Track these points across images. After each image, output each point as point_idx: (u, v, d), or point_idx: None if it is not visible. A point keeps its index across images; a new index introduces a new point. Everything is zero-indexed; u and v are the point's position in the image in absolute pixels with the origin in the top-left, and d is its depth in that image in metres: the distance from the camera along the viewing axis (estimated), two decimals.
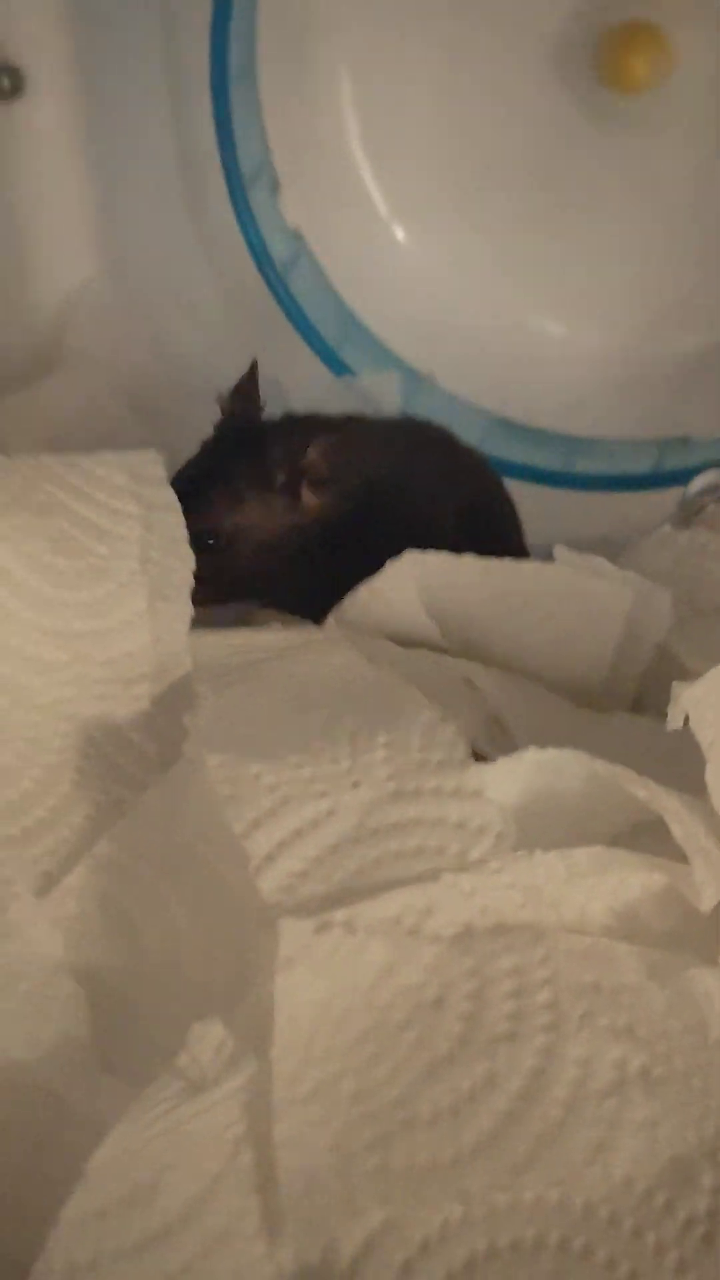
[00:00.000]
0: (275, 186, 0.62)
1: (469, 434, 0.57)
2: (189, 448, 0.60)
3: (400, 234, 0.67)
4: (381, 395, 0.63)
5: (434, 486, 0.51)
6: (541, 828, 0.33)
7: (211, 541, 0.45)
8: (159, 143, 0.64)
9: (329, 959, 0.28)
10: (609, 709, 0.45)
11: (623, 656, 0.44)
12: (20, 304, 0.63)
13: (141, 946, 0.32)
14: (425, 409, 0.62)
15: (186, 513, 0.41)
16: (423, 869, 0.30)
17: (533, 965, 0.29)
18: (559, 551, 0.43)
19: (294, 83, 0.61)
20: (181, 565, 0.40)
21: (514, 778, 0.33)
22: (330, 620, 0.44)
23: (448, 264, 0.67)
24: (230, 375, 0.61)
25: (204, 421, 0.61)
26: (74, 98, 0.61)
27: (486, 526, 0.51)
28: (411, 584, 0.43)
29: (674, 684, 0.33)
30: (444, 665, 0.42)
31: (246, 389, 0.49)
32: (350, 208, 0.66)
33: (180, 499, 0.41)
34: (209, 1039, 0.27)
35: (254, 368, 0.50)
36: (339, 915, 0.29)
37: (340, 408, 0.60)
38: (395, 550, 0.43)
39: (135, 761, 0.36)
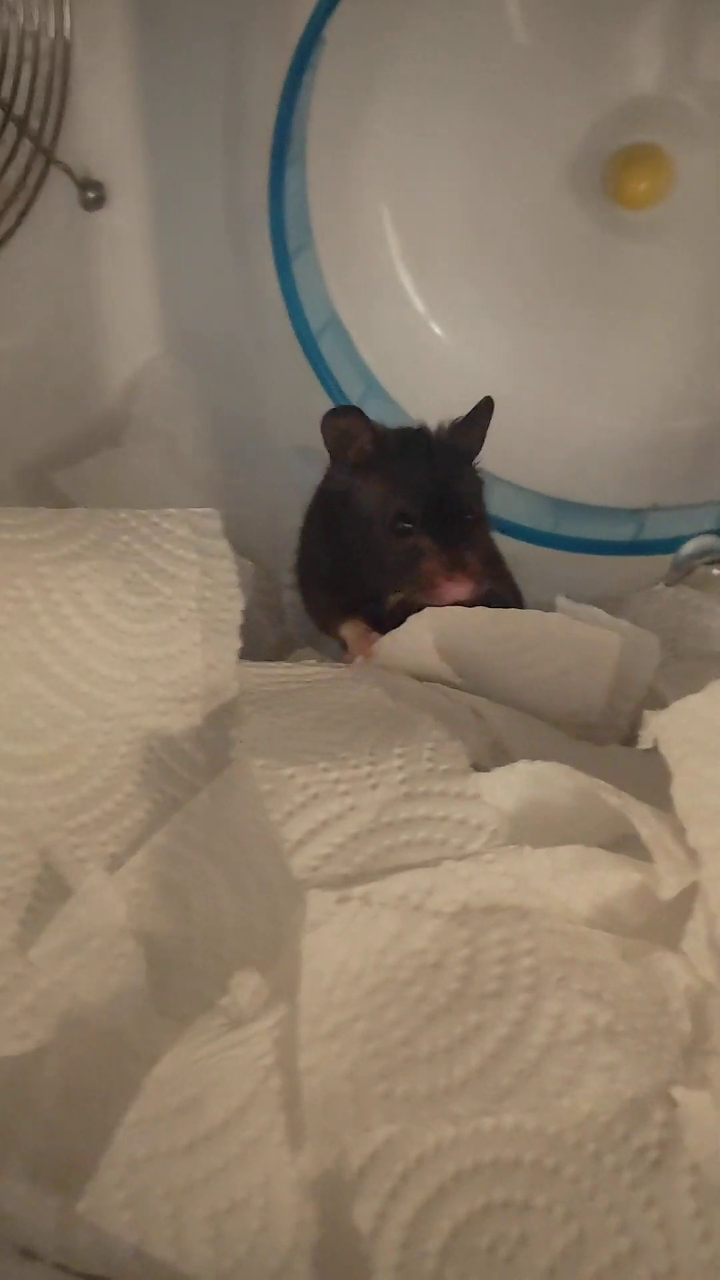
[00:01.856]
0: (340, 329, 0.70)
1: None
2: (236, 510, 0.67)
3: (438, 330, 0.76)
4: None
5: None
6: (534, 831, 0.39)
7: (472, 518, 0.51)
8: (215, 244, 0.73)
9: (348, 925, 0.34)
10: (605, 742, 0.50)
11: (616, 695, 0.50)
12: (94, 381, 0.71)
13: (190, 916, 0.38)
14: None
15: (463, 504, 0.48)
16: (428, 856, 0.36)
17: (519, 938, 0.35)
18: (560, 602, 0.49)
19: (344, 217, 0.71)
20: (231, 605, 0.46)
21: (508, 786, 0.39)
22: (358, 661, 0.51)
23: (477, 354, 0.75)
24: (275, 447, 0.69)
25: (250, 488, 0.68)
26: (147, 210, 0.70)
27: None
28: (428, 634, 0.49)
29: (645, 711, 0.39)
30: (454, 697, 0.48)
31: (370, 431, 0.53)
32: (393, 310, 0.74)
33: (449, 498, 0.48)
34: (247, 985, 0.33)
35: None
36: (357, 891, 0.35)
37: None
38: None
39: (187, 767, 0.43)
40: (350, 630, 0.52)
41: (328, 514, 0.53)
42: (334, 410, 0.50)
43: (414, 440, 0.51)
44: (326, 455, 0.74)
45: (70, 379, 0.70)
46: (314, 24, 0.60)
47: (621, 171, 0.64)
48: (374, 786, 0.38)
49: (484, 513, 0.50)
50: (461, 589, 0.46)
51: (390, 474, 0.49)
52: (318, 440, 0.74)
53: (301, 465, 0.73)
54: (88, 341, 0.70)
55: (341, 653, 0.54)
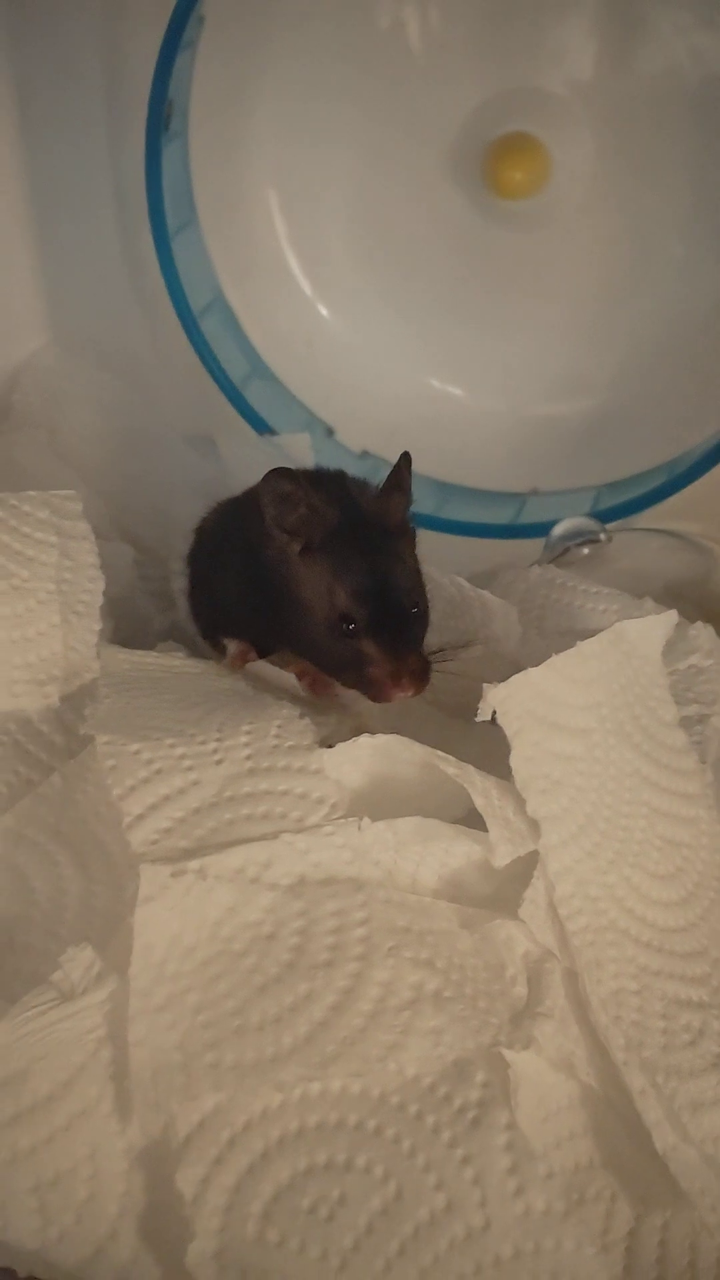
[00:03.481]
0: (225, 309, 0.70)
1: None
2: (125, 498, 0.67)
3: (325, 311, 0.76)
4: (297, 451, 0.71)
5: None
6: (381, 805, 0.40)
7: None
8: (101, 226, 0.72)
9: (182, 899, 0.34)
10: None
11: (484, 669, 0.51)
12: None
13: (33, 898, 0.38)
14: (329, 456, 0.71)
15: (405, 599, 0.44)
16: (267, 830, 0.37)
17: (353, 909, 0.36)
18: (426, 571, 0.49)
19: (228, 198, 0.71)
20: (92, 586, 0.47)
21: (354, 760, 0.40)
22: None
23: (365, 337, 0.76)
24: (165, 433, 0.68)
25: (143, 474, 0.68)
26: (26, 195, 0.69)
27: None
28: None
29: (484, 685, 0.40)
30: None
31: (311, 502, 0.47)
32: (280, 291, 0.74)
33: (401, 599, 0.45)
34: (80, 960, 0.33)
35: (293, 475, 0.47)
36: (193, 865, 0.35)
37: (264, 461, 0.67)
38: None
39: (44, 749, 0.43)
40: (234, 645, 0.51)
41: (242, 545, 0.49)
42: (279, 472, 0.46)
43: (346, 514, 0.47)
44: (215, 443, 0.74)
45: None
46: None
47: (498, 161, 0.65)
48: (219, 762, 0.39)
49: (424, 598, 0.46)
50: (408, 693, 0.44)
51: (330, 564, 0.46)
52: (207, 428, 0.75)
53: (190, 452, 0.73)
54: None
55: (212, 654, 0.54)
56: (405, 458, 0.49)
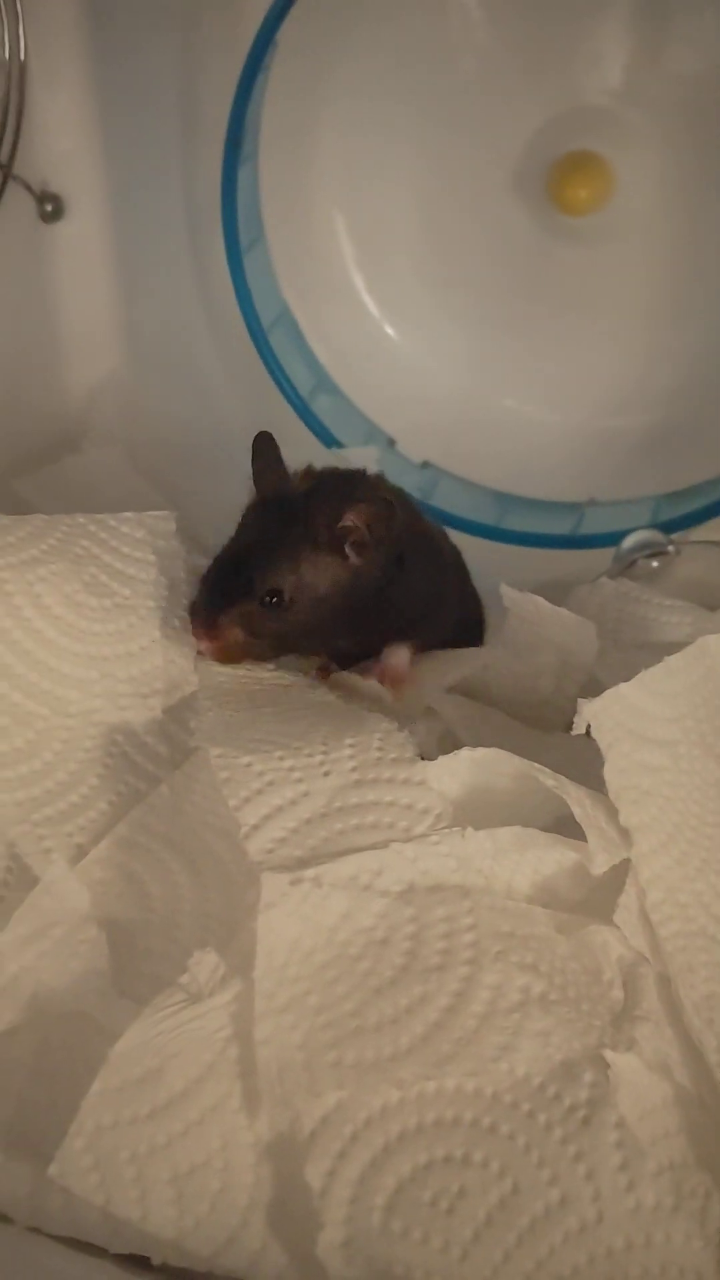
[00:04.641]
0: (291, 324, 0.72)
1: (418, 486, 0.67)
2: (199, 512, 0.68)
3: (390, 330, 0.78)
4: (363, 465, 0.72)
5: (435, 531, 0.57)
6: (477, 814, 0.41)
7: (275, 600, 0.48)
8: (172, 247, 0.75)
9: (300, 905, 0.36)
10: (551, 728, 0.53)
11: (560, 682, 0.52)
12: (55, 390, 0.73)
13: (150, 903, 0.40)
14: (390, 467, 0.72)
15: (250, 573, 0.47)
16: (376, 839, 0.38)
17: (461, 915, 0.37)
18: (505, 590, 0.51)
19: (296, 218, 0.73)
20: (185, 602, 0.49)
21: (453, 772, 0.42)
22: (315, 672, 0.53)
23: (427, 352, 0.78)
24: (235, 447, 0.70)
25: (213, 488, 0.69)
26: (105, 218, 0.71)
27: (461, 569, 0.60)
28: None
29: (580, 699, 0.41)
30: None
31: (270, 465, 0.52)
32: (346, 309, 0.76)
33: (240, 563, 0.48)
34: (206, 963, 0.35)
35: (270, 442, 0.53)
36: (309, 873, 0.37)
37: None
38: (428, 589, 0.52)
39: (150, 759, 0.45)
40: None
41: None
42: (261, 435, 0.51)
43: (275, 494, 0.51)
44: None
45: (31, 389, 0.71)
46: (268, 27, 0.61)
47: (563, 179, 0.67)
48: (326, 774, 0.41)
49: (275, 576, 0.48)
50: (206, 649, 0.47)
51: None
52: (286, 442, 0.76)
53: None
54: (49, 352, 0.72)
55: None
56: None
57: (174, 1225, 0.32)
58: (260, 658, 0.49)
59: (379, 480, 0.54)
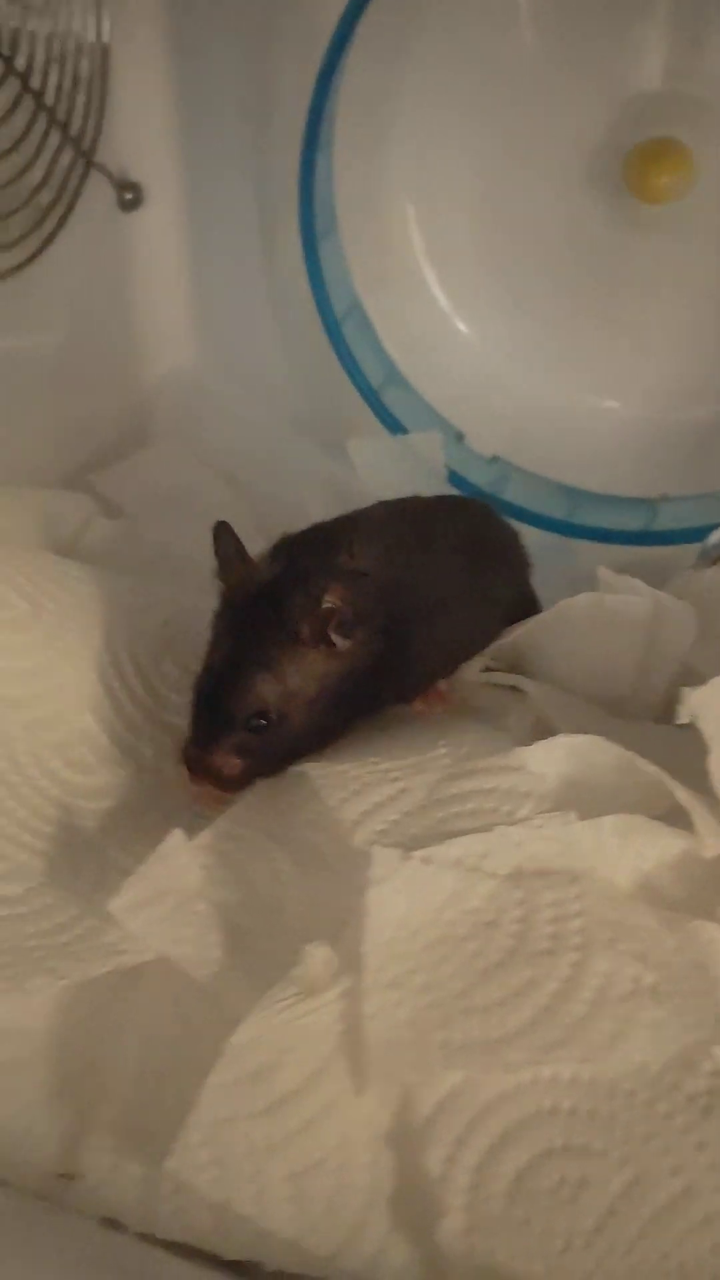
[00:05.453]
0: (362, 317, 0.71)
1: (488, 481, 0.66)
2: (266, 504, 0.68)
3: (461, 325, 0.77)
4: (429, 453, 0.72)
5: (445, 562, 0.50)
6: (580, 803, 0.40)
7: (264, 722, 0.43)
8: (241, 239, 0.75)
9: (409, 883, 0.35)
10: (636, 717, 0.52)
11: (649, 669, 0.51)
12: (126, 383, 0.73)
13: (255, 889, 0.39)
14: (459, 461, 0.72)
15: (229, 700, 0.42)
16: (478, 825, 0.38)
17: (569, 900, 0.37)
18: (602, 572, 0.50)
19: (367, 208, 0.72)
20: None
21: (551, 758, 0.41)
22: None
23: (497, 346, 0.77)
24: (301, 439, 0.70)
25: (279, 481, 0.69)
26: (181, 207, 0.71)
27: (494, 573, 0.53)
28: None
29: (683, 689, 0.40)
30: (495, 678, 0.49)
31: (232, 557, 0.46)
32: (416, 302, 0.76)
33: (220, 686, 0.42)
34: (318, 956, 0.35)
35: (228, 531, 0.46)
36: (417, 854, 0.36)
37: (395, 469, 0.68)
38: (449, 630, 0.48)
39: None
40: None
41: None
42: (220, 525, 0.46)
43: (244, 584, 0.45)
44: (348, 452, 0.75)
45: (106, 381, 0.71)
46: (347, 21, 0.61)
47: (642, 167, 0.66)
48: (422, 771, 0.41)
49: (297, 702, 0.43)
50: (202, 796, 0.43)
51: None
52: (341, 437, 0.76)
53: (323, 457, 0.75)
54: (122, 343, 0.72)
55: None
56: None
57: (292, 1224, 0.31)
58: (271, 775, 0.44)
59: (352, 533, 0.47)
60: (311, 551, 0.46)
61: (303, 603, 0.42)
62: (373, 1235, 0.32)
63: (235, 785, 0.43)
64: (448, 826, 0.38)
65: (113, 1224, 0.33)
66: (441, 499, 0.57)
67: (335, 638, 0.43)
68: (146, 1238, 0.32)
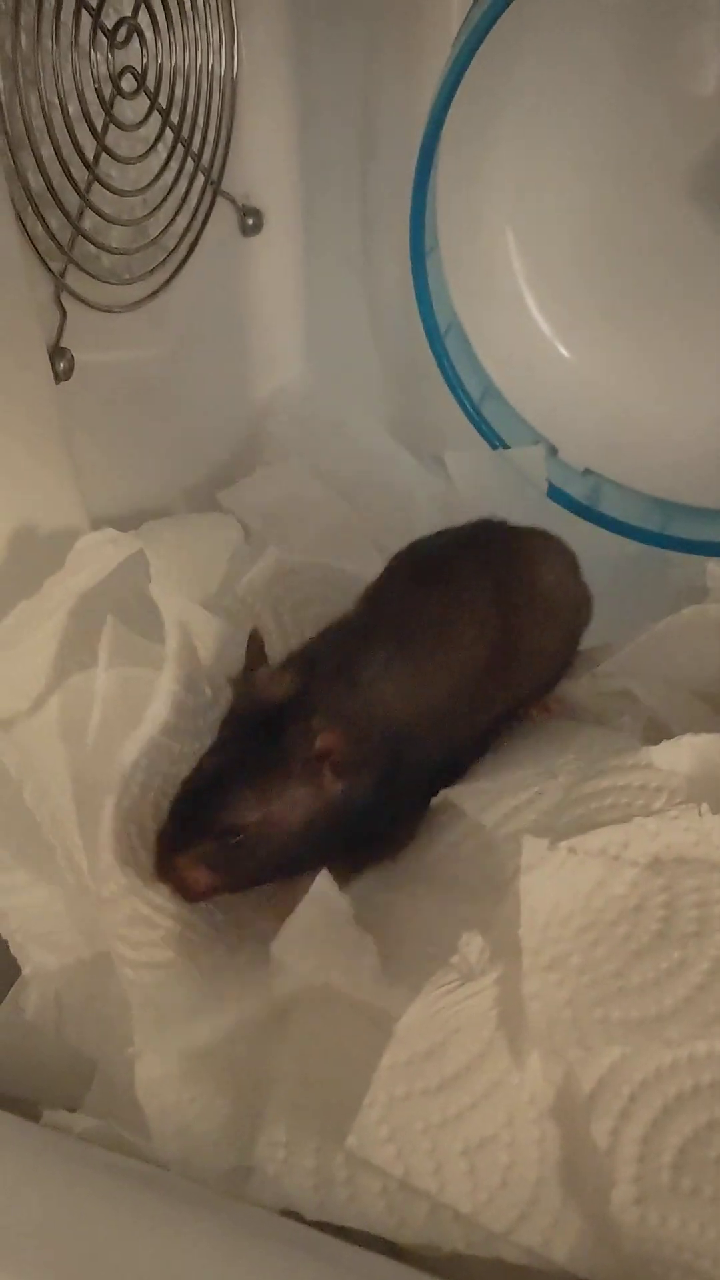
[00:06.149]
0: (459, 333, 0.74)
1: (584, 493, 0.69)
2: (374, 517, 0.70)
3: (562, 348, 0.80)
4: (528, 467, 0.75)
5: (466, 669, 0.47)
6: (706, 797, 0.42)
7: (237, 838, 0.41)
8: (347, 256, 0.78)
9: (558, 870, 0.37)
10: None
11: None
12: (244, 401, 0.76)
13: (394, 913, 0.42)
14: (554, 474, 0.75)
15: (210, 808, 0.41)
16: (617, 818, 0.39)
17: (712, 886, 0.38)
18: (711, 566, 0.52)
19: (468, 228, 0.74)
20: None
21: (677, 756, 0.42)
22: None
23: (590, 358, 0.79)
24: (403, 455, 0.71)
25: (385, 492, 0.71)
26: (292, 234, 0.75)
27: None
28: None
29: None
30: (606, 685, 0.52)
31: (251, 670, 0.46)
32: (511, 316, 0.78)
33: (206, 791, 0.42)
34: (474, 945, 0.36)
35: (257, 642, 0.47)
36: (563, 844, 0.38)
37: (493, 483, 0.71)
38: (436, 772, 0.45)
39: None
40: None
41: None
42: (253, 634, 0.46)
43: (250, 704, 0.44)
44: (443, 462, 0.77)
45: (227, 400, 0.74)
46: (457, 68, 0.62)
47: None
48: (554, 776, 0.42)
49: (276, 829, 0.42)
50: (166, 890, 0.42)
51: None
52: (437, 450, 0.78)
53: (424, 470, 0.78)
54: (240, 363, 0.75)
55: None
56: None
57: (469, 1198, 0.33)
58: (233, 891, 0.43)
59: (367, 651, 0.45)
60: (323, 677, 0.44)
61: (300, 739, 0.42)
62: (547, 1208, 0.33)
63: (196, 896, 0.42)
64: (588, 820, 0.39)
65: (290, 1214, 0.34)
66: (485, 560, 0.51)
67: (328, 777, 0.42)
68: (322, 1225, 0.34)
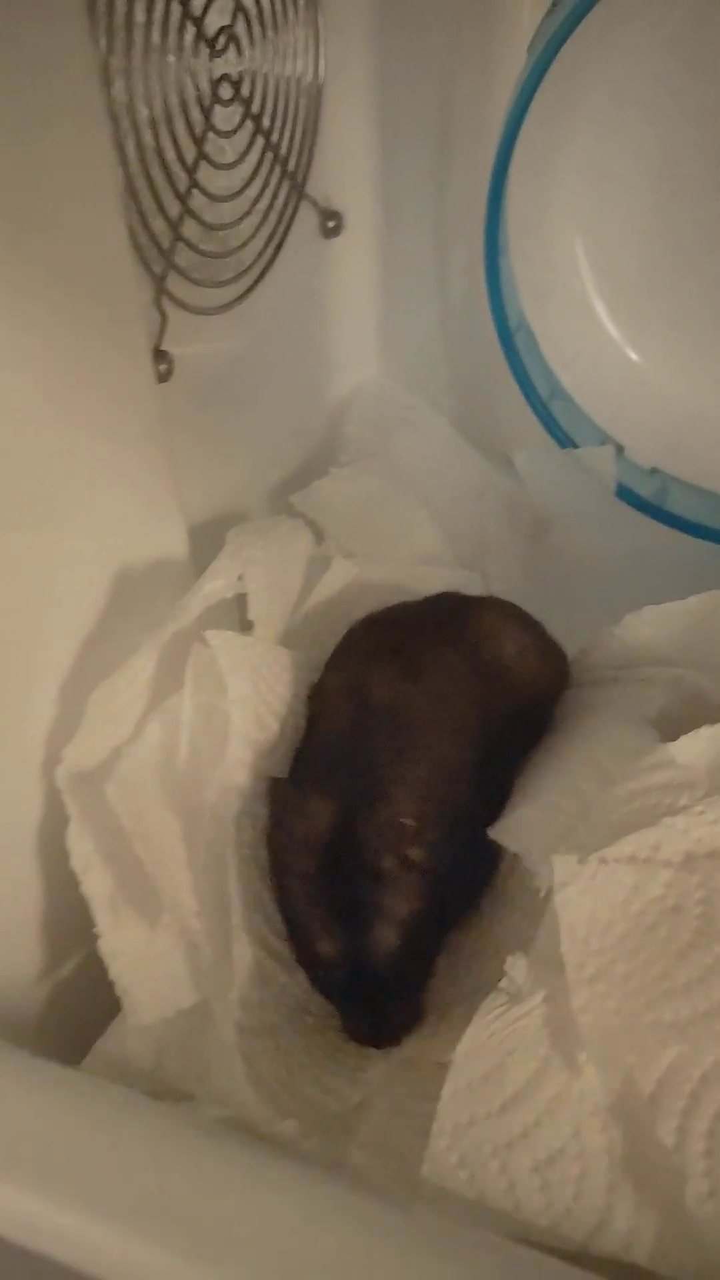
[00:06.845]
0: (528, 333, 0.75)
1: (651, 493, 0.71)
2: (448, 522, 0.71)
3: (632, 354, 0.81)
4: (598, 467, 0.76)
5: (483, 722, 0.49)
6: None
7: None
8: (425, 267, 0.80)
9: (590, 882, 0.38)
10: None
11: None
12: (320, 402, 0.77)
13: None
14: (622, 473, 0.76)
15: (377, 979, 0.42)
16: (644, 820, 0.40)
17: None
18: None
19: (540, 245, 0.76)
20: None
21: (697, 749, 0.43)
22: None
23: (656, 359, 0.80)
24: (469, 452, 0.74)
25: (457, 494, 0.73)
26: (370, 236, 0.77)
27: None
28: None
29: None
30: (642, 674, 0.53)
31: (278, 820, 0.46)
32: (578, 317, 0.79)
33: (372, 977, 0.43)
34: (518, 966, 0.38)
35: (281, 788, 0.47)
36: (593, 856, 0.39)
37: (563, 482, 0.73)
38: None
39: None
40: None
41: None
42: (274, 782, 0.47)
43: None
44: (514, 464, 0.78)
45: (305, 402, 0.75)
46: (532, 78, 0.63)
47: None
48: (581, 792, 0.43)
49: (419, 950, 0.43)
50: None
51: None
52: (505, 449, 0.80)
53: (493, 470, 0.79)
54: (318, 366, 0.76)
55: None
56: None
57: (545, 1213, 0.34)
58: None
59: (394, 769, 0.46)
60: (356, 793, 0.44)
61: (381, 842, 0.43)
62: (622, 1213, 0.33)
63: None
64: (616, 827, 0.40)
65: None
66: (449, 639, 0.53)
67: (416, 854, 0.43)
68: None
